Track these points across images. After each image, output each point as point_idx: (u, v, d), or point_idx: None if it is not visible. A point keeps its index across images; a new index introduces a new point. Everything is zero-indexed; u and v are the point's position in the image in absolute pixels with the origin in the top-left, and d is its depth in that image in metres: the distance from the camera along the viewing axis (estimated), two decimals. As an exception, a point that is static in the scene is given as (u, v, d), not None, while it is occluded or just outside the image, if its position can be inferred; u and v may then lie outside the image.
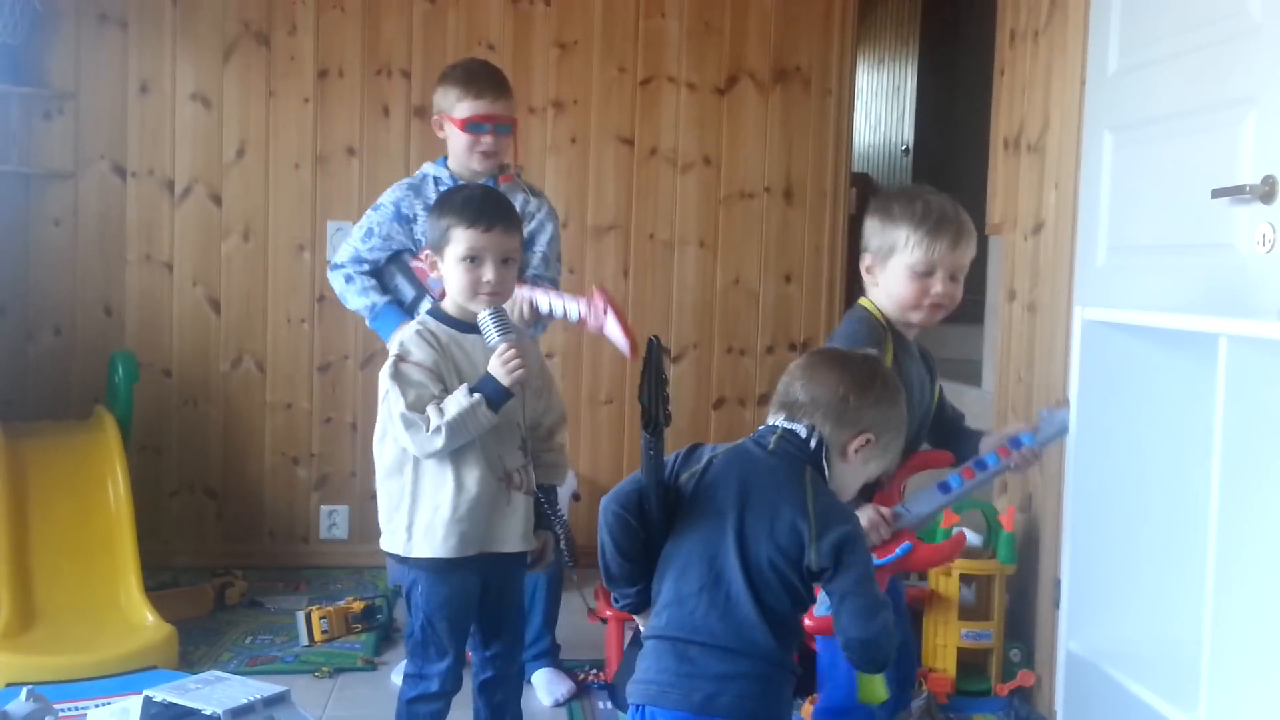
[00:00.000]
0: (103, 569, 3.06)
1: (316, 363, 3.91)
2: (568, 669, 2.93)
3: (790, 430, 1.67)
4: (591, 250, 3.97)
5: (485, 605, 2.17)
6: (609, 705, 2.79)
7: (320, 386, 3.92)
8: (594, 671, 2.96)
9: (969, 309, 3.99)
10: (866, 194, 5.19)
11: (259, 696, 2.05)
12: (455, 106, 2.68)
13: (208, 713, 2.00)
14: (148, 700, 2.08)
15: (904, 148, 6.94)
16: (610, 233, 3.99)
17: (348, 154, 3.87)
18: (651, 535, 1.66)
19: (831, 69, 4.07)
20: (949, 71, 6.32)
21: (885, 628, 1.57)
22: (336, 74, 3.85)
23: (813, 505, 1.58)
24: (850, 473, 1.71)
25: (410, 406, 1.99)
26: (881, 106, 7.29)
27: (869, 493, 1.95)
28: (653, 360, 1.61)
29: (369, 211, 2.76)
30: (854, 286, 2.17)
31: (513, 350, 2.02)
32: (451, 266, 2.07)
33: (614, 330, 2.43)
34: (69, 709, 2.40)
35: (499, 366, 2.02)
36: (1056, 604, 2.36)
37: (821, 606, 1.67)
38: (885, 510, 1.95)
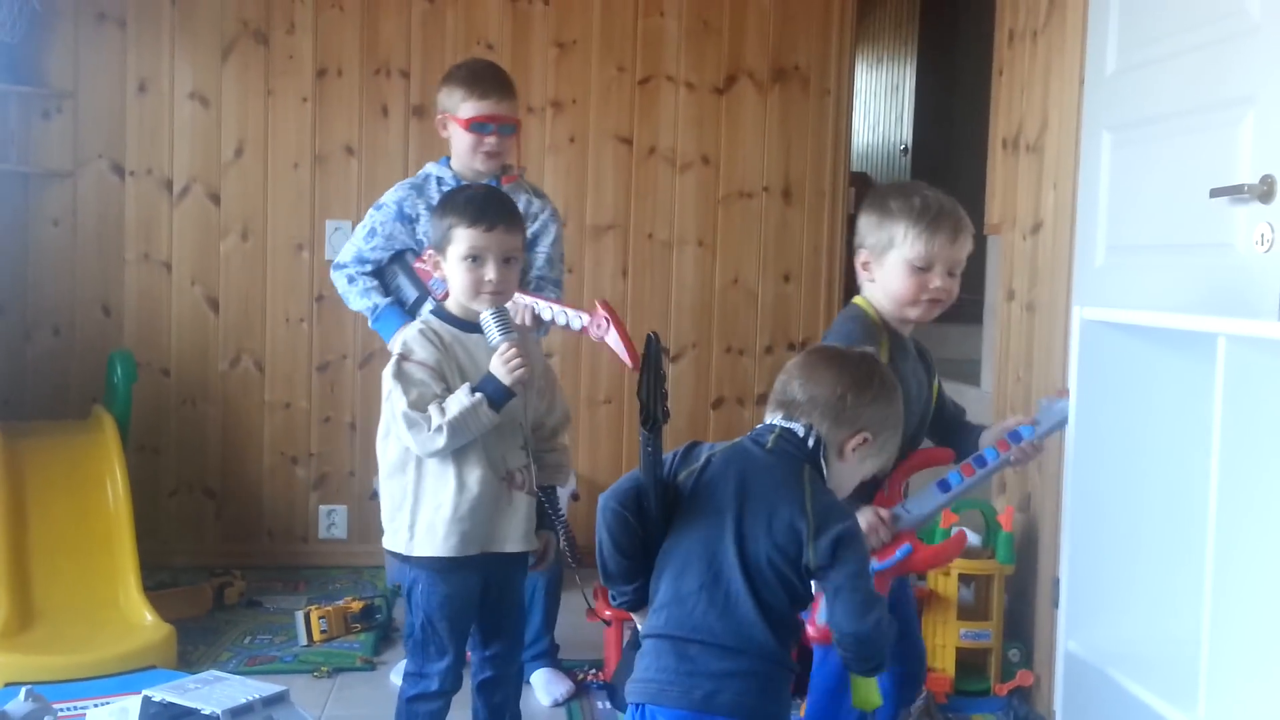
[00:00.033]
0: (101, 569, 3.06)
1: (315, 362, 3.91)
2: (567, 669, 2.93)
3: (788, 429, 1.67)
4: (590, 250, 3.97)
5: (485, 605, 2.17)
6: (608, 705, 2.79)
7: (319, 386, 3.92)
8: (593, 671, 2.96)
9: (968, 309, 4.00)
10: (865, 194, 5.18)
11: (258, 696, 2.05)
12: (460, 106, 2.68)
13: (206, 712, 2.00)
14: (146, 700, 2.07)
15: (903, 147, 6.94)
16: (609, 232, 3.99)
17: (346, 153, 3.87)
18: (650, 533, 1.66)
19: (830, 68, 4.08)
20: (948, 71, 6.32)
21: (879, 624, 1.58)
22: (335, 73, 3.85)
23: (811, 504, 1.59)
24: (848, 471, 1.71)
25: (412, 405, 2.00)
26: (880, 106, 7.29)
27: (869, 494, 1.95)
28: (651, 357, 1.61)
29: (371, 211, 2.76)
30: (853, 286, 2.16)
31: (514, 349, 2.03)
32: (454, 266, 2.08)
33: (615, 341, 2.44)
34: (68, 709, 2.40)
35: (500, 366, 2.02)
36: (1055, 604, 2.36)
37: (824, 614, 1.68)
38: (885, 512, 1.94)
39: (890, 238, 2.02)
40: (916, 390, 2.04)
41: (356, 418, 3.92)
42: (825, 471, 1.67)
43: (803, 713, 2.05)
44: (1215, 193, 2.11)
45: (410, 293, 2.71)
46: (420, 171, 2.79)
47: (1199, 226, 2.21)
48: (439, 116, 2.75)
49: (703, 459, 1.68)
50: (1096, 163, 2.63)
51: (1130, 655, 2.02)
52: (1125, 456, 2.07)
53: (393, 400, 2.02)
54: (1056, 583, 2.39)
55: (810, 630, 1.76)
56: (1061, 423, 2.08)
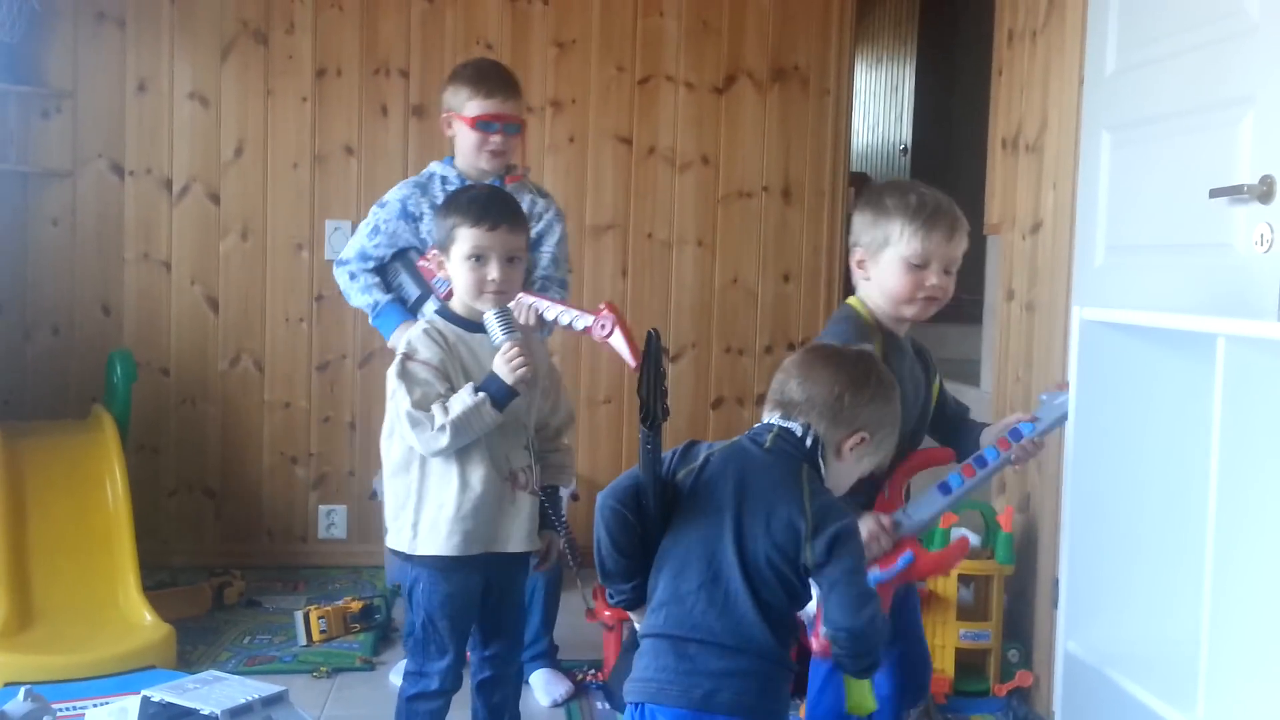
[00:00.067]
0: (101, 568, 3.06)
1: (315, 362, 3.91)
2: (566, 669, 2.93)
3: (786, 429, 1.68)
4: (590, 250, 3.97)
5: (486, 605, 2.17)
6: (607, 706, 2.79)
7: (319, 386, 3.92)
8: (592, 672, 2.96)
9: (967, 309, 4.01)
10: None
11: (257, 696, 2.05)
12: (465, 105, 2.68)
13: (206, 713, 2.00)
14: (146, 700, 2.07)
15: (902, 147, 6.94)
16: (608, 232, 3.99)
17: (346, 153, 3.87)
18: (648, 531, 1.66)
19: (830, 68, 4.07)
20: (947, 71, 6.33)
21: (874, 620, 1.58)
22: (335, 73, 3.85)
23: (809, 503, 1.59)
24: (846, 470, 1.72)
25: (416, 405, 2.01)
26: (880, 106, 7.29)
27: (869, 494, 1.95)
28: (651, 355, 1.61)
29: (375, 208, 2.76)
30: (852, 286, 2.15)
31: (516, 349, 2.03)
32: (457, 265, 2.09)
33: (619, 342, 2.44)
34: (67, 709, 2.40)
35: (503, 365, 2.03)
36: (1055, 604, 2.36)
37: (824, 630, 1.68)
38: (886, 519, 1.93)
39: (886, 235, 2.00)
40: (913, 390, 2.03)
41: (356, 417, 3.92)
42: (823, 470, 1.67)
43: (802, 714, 2.05)
44: (1215, 193, 2.11)
45: (412, 291, 2.71)
46: (425, 170, 2.79)
47: (1198, 227, 2.21)
48: (444, 115, 2.75)
49: (701, 458, 1.68)
50: (1096, 163, 2.63)
51: (1129, 656, 2.02)
52: (1125, 457, 2.07)
53: (397, 399, 2.03)
54: (1056, 583, 2.39)
55: (813, 644, 1.76)
56: (1062, 418, 2.07)
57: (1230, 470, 1.66)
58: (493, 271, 2.07)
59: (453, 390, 2.04)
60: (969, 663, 2.91)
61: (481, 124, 2.66)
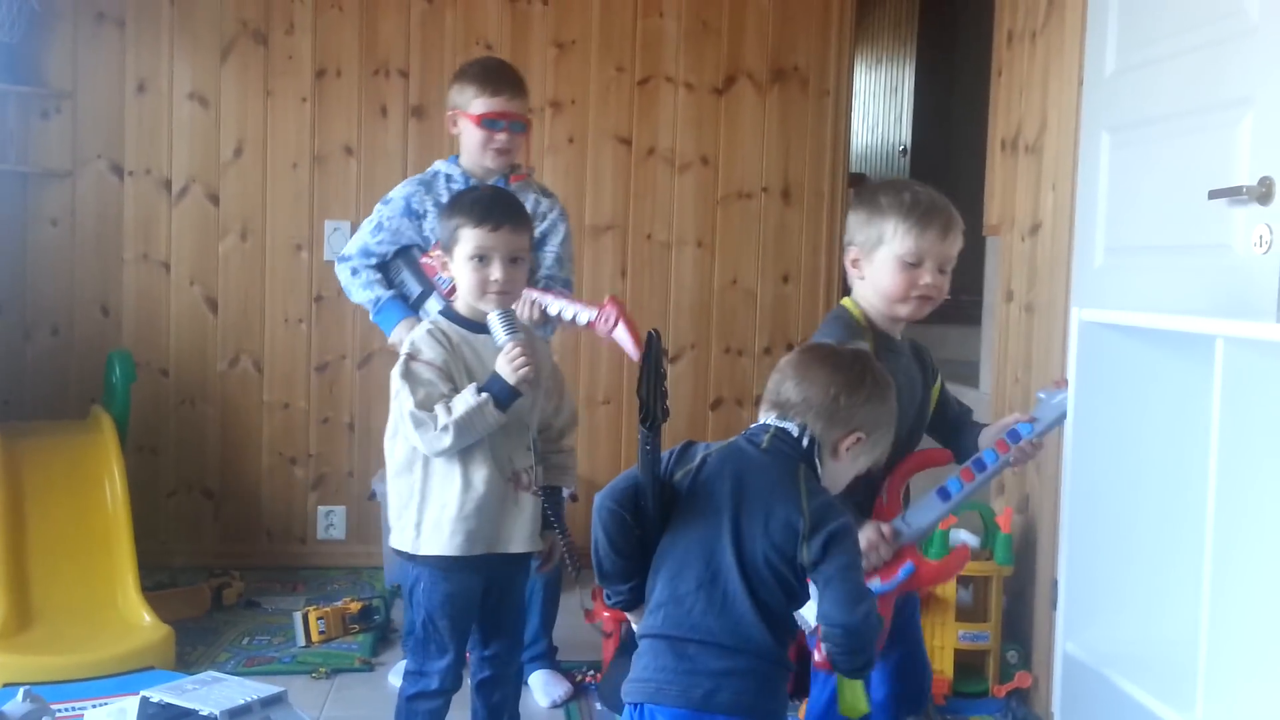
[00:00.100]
0: (100, 569, 3.06)
1: (314, 362, 3.91)
2: (565, 670, 2.93)
3: (783, 429, 1.68)
4: (589, 250, 3.97)
5: (486, 605, 2.18)
6: (604, 707, 2.79)
7: (318, 386, 3.92)
8: (591, 673, 2.96)
9: (967, 310, 4.01)
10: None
11: (256, 697, 2.05)
12: (471, 103, 2.68)
13: (205, 713, 2.00)
14: (145, 701, 2.08)
15: (901, 148, 6.94)
16: (608, 233, 3.99)
17: (345, 153, 3.87)
18: (646, 532, 1.67)
19: (829, 69, 4.08)
20: (947, 72, 6.32)
21: (868, 618, 1.58)
22: (334, 73, 3.85)
23: (807, 502, 1.59)
24: (842, 469, 1.72)
25: (419, 405, 2.01)
26: (879, 107, 7.29)
27: (866, 494, 1.95)
28: (652, 355, 1.61)
29: (379, 205, 2.76)
30: (849, 286, 2.15)
31: (519, 349, 2.04)
32: (461, 266, 2.10)
33: (623, 336, 2.45)
34: (66, 709, 2.40)
35: (505, 365, 2.04)
36: (1054, 605, 2.36)
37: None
38: (885, 528, 1.93)
39: (880, 234, 1.99)
40: (908, 391, 2.01)
41: (355, 418, 3.92)
42: (819, 470, 1.67)
43: (801, 715, 2.04)
44: (1214, 194, 2.11)
45: (414, 288, 2.71)
46: (429, 168, 2.79)
47: (1197, 228, 2.21)
48: (449, 113, 2.75)
49: (698, 458, 1.68)
50: (1095, 164, 2.63)
51: (1128, 656, 2.02)
52: (1124, 458, 2.07)
53: (400, 400, 2.04)
54: (1055, 584, 2.39)
55: (816, 656, 1.76)
56: (1060, 418, 2.06)
57: (1229, 471, 1.66)
58: (496, 272, 2.08)
59: (456, 391, 2.04)
60: (968, 664, 2.91)
61: (487, 122, 2.67)
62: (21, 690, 2.03)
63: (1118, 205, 2.55)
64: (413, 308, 2.69)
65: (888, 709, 2.10)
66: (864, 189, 2.11)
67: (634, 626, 1.71)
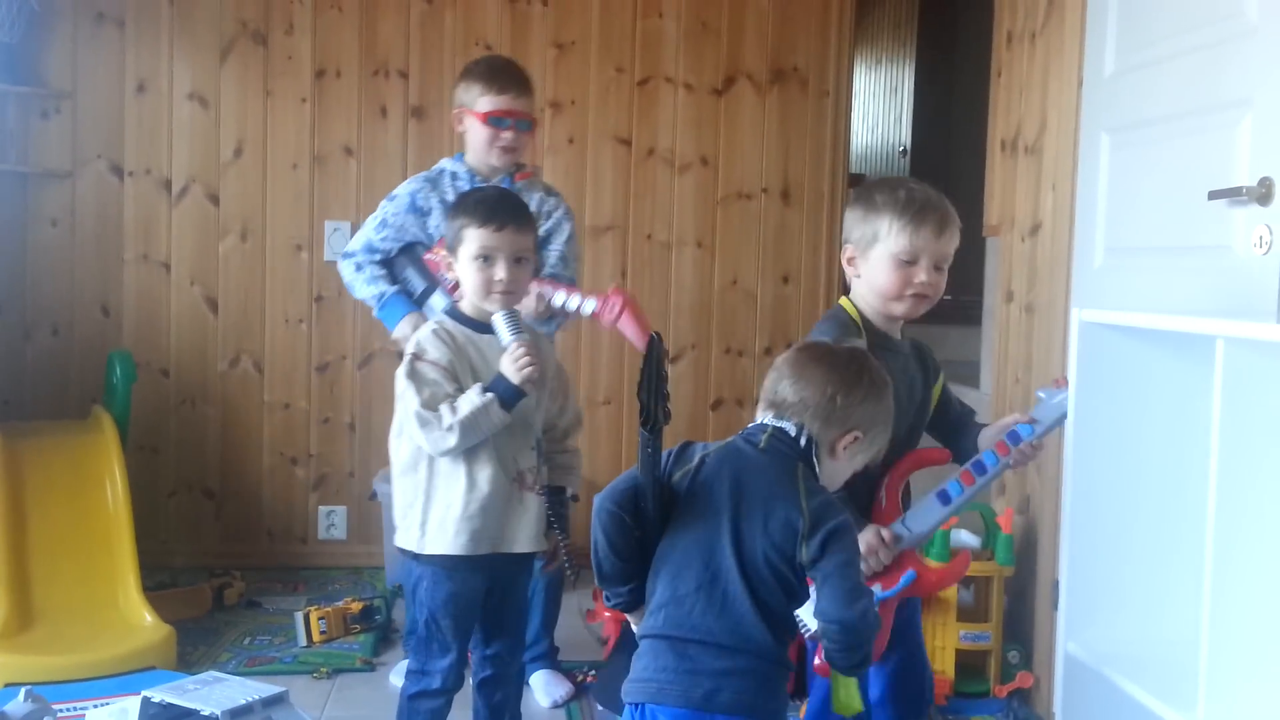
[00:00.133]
0: (101, 569, 3.06)
1: (314, 363, 3.91)
2: (566, 670, 2.93)
3: (780, 429, 1.68)
4: (589, 251, 3.96)
5: (488, 604, 2.18)
6: (603, 708, 2.79)
7: (318, 386, 3.92)
8: (592, 673, 2.96)
9: (967, 310, 4.01)
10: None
11: (257, 697, 2.05)
12: (478, 100, 2.68)
13: (206, 713, 2.00)
14: (146, 701, 2.08)
15: (901, 149, 6.94)
16: (608, 233, 3.99)
17: (345, 154, 3.87)
18: (646, 534, 1.67)
19: (829, 70, 4.08)
20: (946, 73, 6.32)
21: (866, 614, 1.58)
22: (334, 74, 3.85)
23: (806, 502, 1.59)
24: (839, 467, 1.72)
25: (425, 405, 2.02)
26: (879, 107, 7.29)
27: (864, 493, 1.94)
28: (654, 358, 1.61)
29: (384, 202, 2.77)
30: (852, 289, 2.14)
31: (524, 349, 2.04)
32: (465, 266, 2.11)
33: (628, 325, 2.46)
34: (67, 709, 2.40)
35: (510, 365, 2.04)
36: (1055, 605, 2.36)
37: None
38: (886, 533, 1.92)
39: (875, 232, 1.98)
40: (906, 391, 2.00)
41: (356, 418, 3.92)
42: (817, 468, 1.67)
43: (802, 714, 2.05)
44: (1214, 195, 2.11)
45: (417, 284, 2.72)
46: (436, 166, 2.80)
47: (1197, 228, 2.21)
48: (455, 111, 2.75)
49: (696, 459, 1.69)
50: (1095, 164, 2.63)
51: (1129, 657, 2.02)
52: (1124, 458, 2.07)
53: (405, 399, 2.05)
54: (1056, 585, 2.39)
55: (816, 660, 1.76)
56: (1060, 419, 2.06)
57: (1229, 472, 1.67)
58: (500, 272, 2.08)
59: (461, 391, 2.05)
60: (969, 664, 2.91)
61: (493, 119, 2.67)
62: (23, 690, 2.03)
63: (1118, 206, 2.55)
64: (416, 303, 2.70)
65: (888, 713, 2.09)
66: (861, 187, 2.11)
67: (633, 628, 1.71)
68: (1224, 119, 2.15)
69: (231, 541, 3.89)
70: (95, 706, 2.38)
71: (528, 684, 2.74)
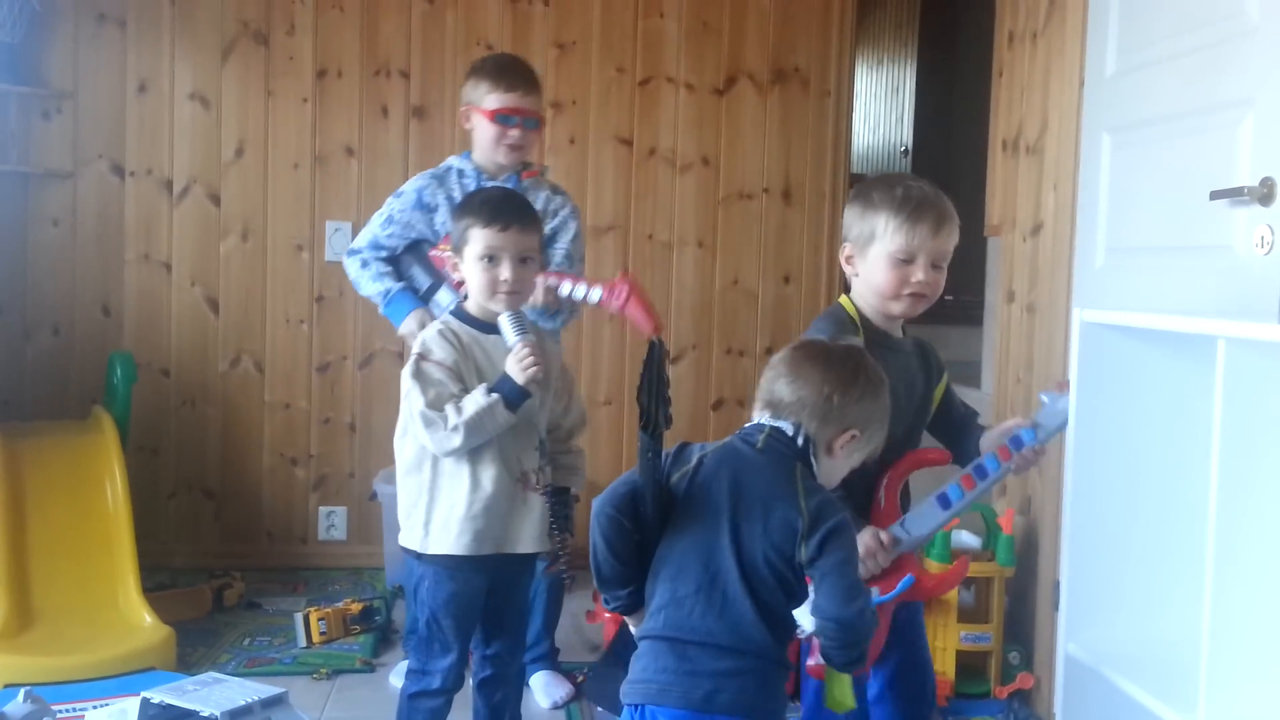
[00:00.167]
0: (100, 570, 3.06)
1: (315, 363, 3.91)
2: (566, 671, 2.93)
3: (778, 429, 1.68)
4: (590, 251, 3.94)
5: (490, 604, 2.18)
6: (602, 709, 2.79)
7: (319, 387, 3.92)
8: (592, 674, 2.95)
9: (968, 310, 4.01)
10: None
11: (257, 698, 2.05)
12: (485, 98, 2.68)
13: (205, 714, 2.00)
14: (145, 702, 2.08)
15: (903, 149, 6.94)
16: (609, 233, 3.99)
17: (346, 154, 3.87)
18: (645, 537, 1.66)
19: (830, 70, 4.07)
20: (948, 72, 6.32)
21: (863, 613, 1.58)
22: (335, 74, 3.85)
23: (805, 501, 1.59)
24: (837, 466, 1.72)
25: (430, 405, 2.03)
26: (880, 107, 7.29)
27: (865, 497, 1.94)
28: (654, 362, 1.61)
29: (390, 199, 2.77)
30: (852, 287, 2.13)
31: (528, 349, 2.05)
32: (471, 266, 2.11)
33: (634, 311, 2.47)
34: (66, 710, 2.40)
35: (515, 365, 2.05)
36: (1055, 606, 2.36)
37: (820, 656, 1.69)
38: (884, 535, 1.91)
39: (872, 230, 1.96)
40: (905, 390, 1.98)
41: (356, 419, 3.92)
42: (815, 467, 1.67)
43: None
44: (1215, 195, 2.11)
45: (423, 281, 2.72)
46: (443, 163, 2.80)
47: (1199, 228, 2.21)
48: (463, 108, 2.76)
49: (694, 460, 1.68)
50: (1096, 164, 2.63)
51: (1130, 657, 2.02)
52: (1125, 459, 2.06)
53: (411, 399, 2.05)
54: (1057, 585, 2.39)
55: (810, 662, 1.75)
56: (1062, 425, 2.05)
57: (1230, 472, 1.66)
58: (505, 272, 2.09)
59: (466, 391, 2.06)
60: (970, 665, 2.91)
61: (500, 117, 2.67)
62: (22, 691, 2.03)
63: (1119, 206, 2.55)
64: (422, 300, 2.70)
65: (890, 715, 2.08)
66: (860, 185, 2.08)
67: (632, 630, 1.71)
68: (1225, 119, 2.15)
69: (231, 542, 3.89)
70: (95, 707, 2.38)
71: (528, 685, 2.73)
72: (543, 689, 2.83)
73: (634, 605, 1.69)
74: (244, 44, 3.81)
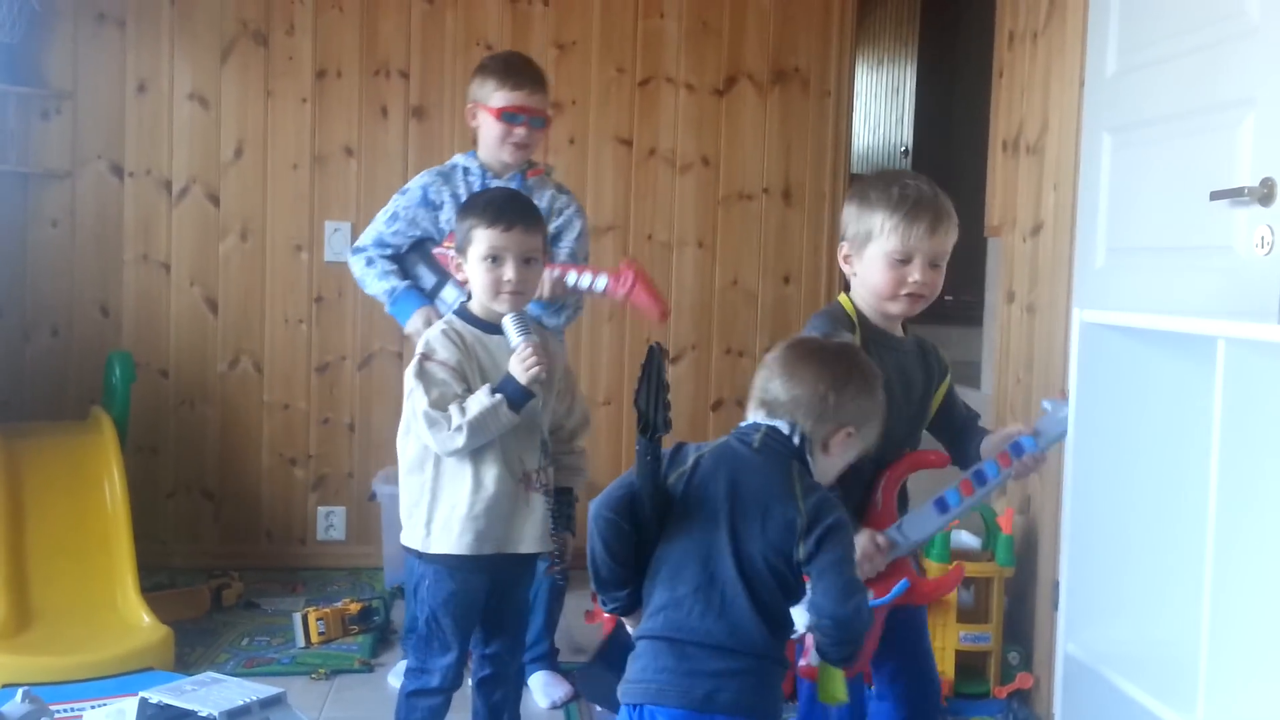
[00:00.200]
0: (99, 570, 3.06)
1: (314, 363, 3.90)
2: (564, 671, 2.92)
3: (773, 428, 1.68)
4: (590, 251, 3.95)
5: (489, 604, 2.18)
6: (600, 709, 2.78)
7: (318, 387, 3.91)
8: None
9: (968, 310, 4.00)
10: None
11: (255, 698, 2.05)
12: (491, 96, 2.68)
13: (204, 714, 2.00)
14: (144, 702, 2.08)
15: (903, 149, 6.93)
16: (609, 233, 3.98)
17: (345, 154, 3.87)
18: (643, 538, 1.66)
19: (830, 70, 4.07)
20: (948, 73, 6.32)
21: (859, 610, 1.59)
22: (334, 74, 3.84)
23: (803, 500, 1.60)
24: (832, 463, 1.72)
25: (433, 405, 2.03)
26: (880, 107, 7.29)
27: (859, 492, 1.93)
28: (653, 366, 1.61)
29: (395, 196, 2.77)
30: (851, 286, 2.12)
31: (531, 349, 2.05)
32: (474, 266, 2.11)
33: (640, 297, 2.48)
34: (65, 710, 2.40)
35: (518, 365, 2.05)
36: (1055, 606, 2.36)
37: (814, 655, 1.69)
38: (881, 539, 1.90)
39: (869, 230, 1.94)
40: (904, 389, 1.98)
41: (355, 419, 3.91)
42: (811, 465, 1.67)
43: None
44: (1215, 195, 2.11)
45: (429, 279, 2.72)
46: (448, 161, 2.80)
47: (1199, 229, 2.21)
48: (469, 106, 2.76)
49: (690, 461, 1.68)
50: (1097, 164, 2.62)
51: (1129, 657, 2.02)
52: (1125, 459, 2.06)
53: (414, 399, 2.05)
54: (1056, 585, 2.38)
55: (802, 663, 1.75)
56: (1062, 435, 2.04)
57: (1230, 473, 1.66)
58: (509, 272, 2.09)
59: (469, 391, 2.06)
60: (969, 665, 2.91)
61: (507, 115, 2.67)
62: (20, 691, 2.03)
63: (1119, 206, 2.55)
64: (428, 298, 2.70)
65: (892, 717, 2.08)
66: (858, 182, 2.07)
67: (630, 631, 1.71)
68: (1226, 119, 2.15)
69: (230, 542, 3.89)
70: (93, 707, 2.38)
71: (527, 685, 2.73)
72: (542, 689, 2.83)
73: (632, 606, 1.69)
74: (243, 44, 3.80)
